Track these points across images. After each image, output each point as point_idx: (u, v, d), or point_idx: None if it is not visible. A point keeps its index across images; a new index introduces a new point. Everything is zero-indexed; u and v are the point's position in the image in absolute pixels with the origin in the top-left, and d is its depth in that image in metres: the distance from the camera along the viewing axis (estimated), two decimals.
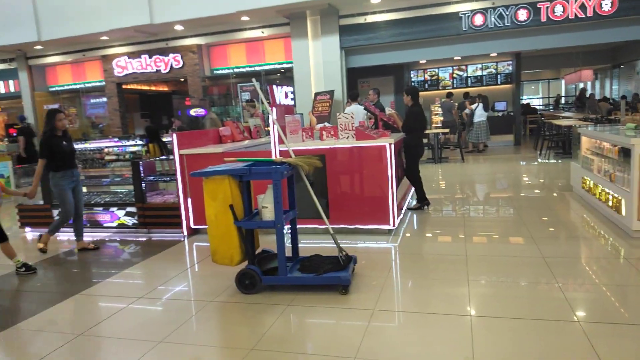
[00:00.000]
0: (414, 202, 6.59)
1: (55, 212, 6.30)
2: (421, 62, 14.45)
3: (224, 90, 13.74)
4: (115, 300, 3.95)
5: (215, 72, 13.29)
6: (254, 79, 4.17)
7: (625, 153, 4.79)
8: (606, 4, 9.82)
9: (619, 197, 4.88)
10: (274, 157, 4.64)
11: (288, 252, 3.97)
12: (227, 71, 13.19)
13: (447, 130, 11.70)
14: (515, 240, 4.95)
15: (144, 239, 6.00)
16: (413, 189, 6.64)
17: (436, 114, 12.34)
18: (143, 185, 6.11)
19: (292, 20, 11.34)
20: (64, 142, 5.34)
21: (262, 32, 12.19)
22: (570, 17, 10.11)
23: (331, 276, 3.70)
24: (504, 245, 4.84)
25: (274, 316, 3.42)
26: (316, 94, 11.22)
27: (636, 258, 4.19)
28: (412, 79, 15.09)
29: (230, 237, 3.69)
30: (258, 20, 11.87)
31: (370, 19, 11.24)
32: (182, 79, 13.66)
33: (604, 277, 3.80)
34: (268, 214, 3.72)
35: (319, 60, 11.36)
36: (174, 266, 4.79)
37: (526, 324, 3.06)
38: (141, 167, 6.03)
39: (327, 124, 7.87)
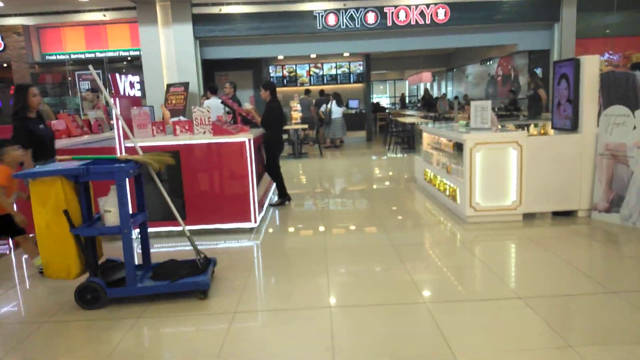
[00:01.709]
0: (276, 198, 6.57)
1: None
2: (280, 58, 14.57)
3: (59, 79, 12.15)
4: None
5: (48, 57, 11.67)
6: (91, 66, 3.67)
7: (459, 147, 5.37)
8: (441, 13, 10.98)
9: (455, 187, 5.45)
10: (118, 155, 4.16)
11: (138, 260, 3.60)
12: (62, 57, 11.67)
13: (306, 126, 11.98)
14: (369, 230, 5.22)
15: None
16: (274, 184, 6.61)
17: (295, 110, 12.55)
18: None
19: (138, 5, 10.47)
20: (41, 125, 4.21)
21: (104, 16, 11.03)
22: (412, 23, 11.07)
23: (188, 282, 3.44)
24: (360, 235, 5.06)
25: (122, 332, 3.06)
26: (169, 86, 10.56)
27: (470, 241, 4.72)
28: (271, 75, 15.15)
29: (66, 247, 3.20)
30: (98, 1, 10.71)
31: (226, 9, 10.92)
32: (4, 64, 11.72)
33: (444, 259, 4.19)
34: (112, 218, 3.31)
35: (170, 50, 10.69)
36: (0, 284, 4.03)
37: (380, 309, 3.21)
38: None
39: (181, 118, 7.41)
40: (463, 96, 16.51)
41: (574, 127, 5.12)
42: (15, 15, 10.99)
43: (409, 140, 11.93)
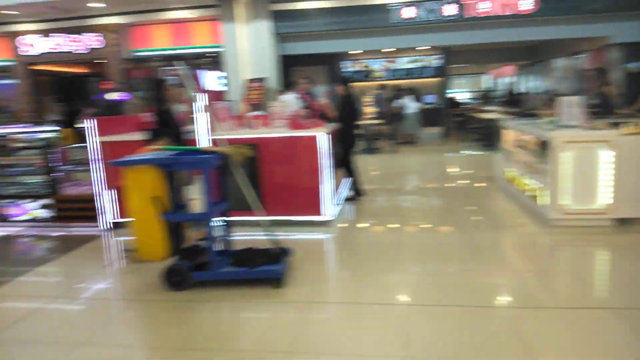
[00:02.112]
0: (350, 193, 6.60)
1: None
2: (354, 53, 14.54)
3: (149, 74, 12.98)
4: (29, 300, 3.59)
5: (137, 54, 12.52)
6: (179, 63, 3.90)
7: (544, 146, 5.07)
8: (526, 3, 10.38)
9: (538, 188, 5.16)
10: (202, 146, 4.40)
11: (221, 246, 3.79)
12: (149, 53, 12.46)
13: (380, 121, 11.88)
14: (445, 229, 5.10)
15: (60, 233, 5.50)
16: (349, 179, 6.65)
17: (369, 105, 12.49)
18: (57, 175, 5.59)
19: (221, 3, 10.91)
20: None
21: (190, 14, 11.62)
22: (494, 14, 10.57)
23: (265, 270, 3.57)
24: (434, 234, 4.95)
25: (204, 313, 3.25)
26: (248, 81, 10.92)
27: (553, 245, 4.46)
28: (345, 70, 15.17)
29: (156, 231, 3.44)
30: (184, 0, 11.29)
31: (303, 5, 11.08)
32: (101, 61, 12.72)
33: (525, 263, 4.00)
34: (197, 206, 3.51)
35: (250, 46, 11.04)
36: (94, 263, 4.42)
37: (456, 310, 3.13)
38: (54, 155, 5.51)
39: (259, 112, 7.66)
40: (548, 92, 15.53)
41: None
42: (112, 14, 11.89)
43: (488, 137, 11.45)
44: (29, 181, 6.03)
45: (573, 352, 2.61)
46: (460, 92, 22.19)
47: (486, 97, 19.68)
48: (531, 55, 17.76)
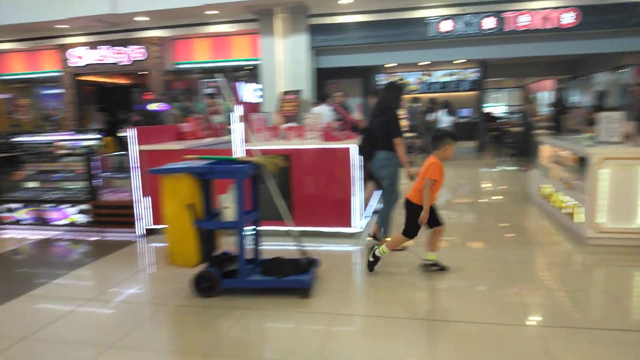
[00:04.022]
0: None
1: None
2: (389, 65, 14.54)
3: (188, 85, 13.38)
4: (63, 303, 3.73)
5: (178, 66, 12.94)
6: (219, 75, 4.03)
7: (583, 162, 4.93)
8: (568, 17, 10.15)
9: (574, 205, 5.01)
10: (236, 156, 4.51)
11: (250, 255, 3.86)
12: (190, 65, 12.86)
13: (413, 134, 11.80)
14: (476, 245, 5.01)
15: (96, 238, 5.72)
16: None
17: (403, 119, 12.42)
18: (96, 182, 5.83)
19: (260, 17, 11.18)
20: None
21: (230, 28, 11.95)
22: (534, 28, 10.38)
23: (292, 279, 3.61)
24: (465, 250, 4.88)
25: (231, 320, 3.30)
26: (283, 93, 11.10)
27: (589, 264, 4.31)
28: (380, 83, 15.18)
29: (189, 238, 3.54)
30: (226, 15, 11.62)
31: (340, 19, 11.20)
32: (143, 72, 13.21)
33: (558, 281, 3.87)
34: (230, 214, 3.60)
35: (287, 59, 11.24)
36: (128, 268, 4.58)
37: (484, 328, 3.07)
38: (94, 163, 5.75)
39: (293, 124, 7.77)
40: (589, 107, 15.05)
41: None
42: (155, 28, 12.37)
43: (524, 152, 11.18)
44: (70, 187, 6.32)
45: None
46: (497, 106, 21.72)
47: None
48: (572, 69, 17.30)
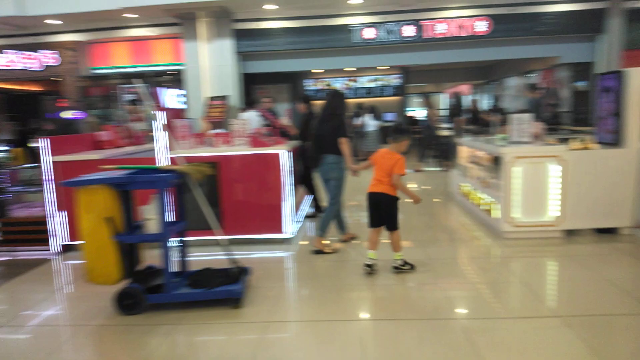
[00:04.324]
0: (311, 210, 6.62)
1: None
2: (316, 71, 14.73)
3: (106, 92, 12.70)
4: None
5: (95, 71, 12.26)
6: (137, 80, 3.85)
7: (497, 161, 5.27)
8: (481, 25, 10.84)
9: (491, 201, 5.34)
10: (159, 165, 4.33)
11: (177, 267, 3.71)
12: (109, 71, 12.22)
13: None
14: (403, 243, 5.16)
15: (6, 258, 5.24)
16: (309, 196, 6.67)
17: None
18: (5, 197, 5.36)
19: (183, 21, 10.87)
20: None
21: (151, 32, 11.50)
22: (451, 35, 10.98)
23: (223, 290, 3.52)
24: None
25: (158, 337, 3.15)
26: (209, 99, 10.85)
27: (506, 257, 4.61)
28: (307, 88, 15.33)
29: (108, 253, 3.34)
30: (145, 18, 11.18)
31: (265, 25, 11.17)
32: (57, 78, 12.36)
33: (479, 275, 4.10)
34: (153, 226, 3.44)
35: (212, 64, 11.01)
36: (42, 288, 4.24)
37: (413, 324, 3.17)
38: (3, 176, 5.29)
39: (220, 130, 7.61)
40: (501, 109, 16.12)
41: (618, 141, 4.94)
42: (69, 32, 11.62)
43: (445, 154, 11.77)
44: None
45: None
46: (418, 110, 22.67)
47: (453, 114, 20.18)
48: (486, 75, 18.48)
